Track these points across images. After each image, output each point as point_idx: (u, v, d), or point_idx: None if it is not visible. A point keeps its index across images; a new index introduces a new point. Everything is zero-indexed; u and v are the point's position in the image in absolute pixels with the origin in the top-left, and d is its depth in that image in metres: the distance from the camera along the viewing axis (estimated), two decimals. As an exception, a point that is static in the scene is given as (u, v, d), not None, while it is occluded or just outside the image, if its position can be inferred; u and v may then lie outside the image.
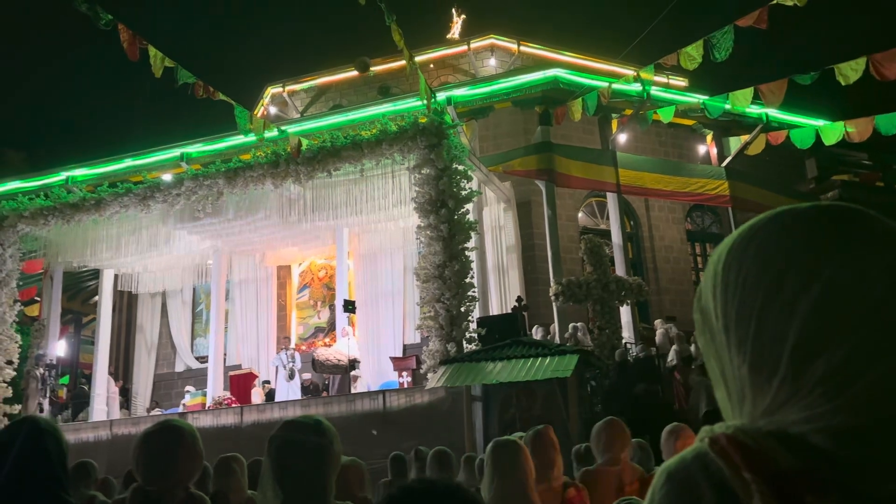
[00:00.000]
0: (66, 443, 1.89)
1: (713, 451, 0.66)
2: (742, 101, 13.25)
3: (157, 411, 15.26)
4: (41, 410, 14.10)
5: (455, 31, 22.81)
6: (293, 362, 14.11)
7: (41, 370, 14.48)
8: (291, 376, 14.01)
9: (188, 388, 15.46)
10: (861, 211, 0.69)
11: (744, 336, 0.68)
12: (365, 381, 14.18)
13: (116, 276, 16.42)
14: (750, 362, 0.67)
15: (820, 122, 15.00)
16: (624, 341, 12.94)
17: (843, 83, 11.67)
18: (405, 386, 12.04)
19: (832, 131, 14.19)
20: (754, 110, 15.10)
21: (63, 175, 15.59)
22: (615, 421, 3.82)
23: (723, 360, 0.71)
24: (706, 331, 0.74)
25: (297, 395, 13.72)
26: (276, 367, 14.55)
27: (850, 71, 11.61)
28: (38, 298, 17.46)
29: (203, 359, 16.81)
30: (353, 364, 12.92)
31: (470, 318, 11.22)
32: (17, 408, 14.11)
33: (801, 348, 0.64)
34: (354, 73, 20.61)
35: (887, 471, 0.61)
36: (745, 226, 0.73)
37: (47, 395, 14.52)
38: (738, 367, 0.68)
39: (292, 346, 15.23)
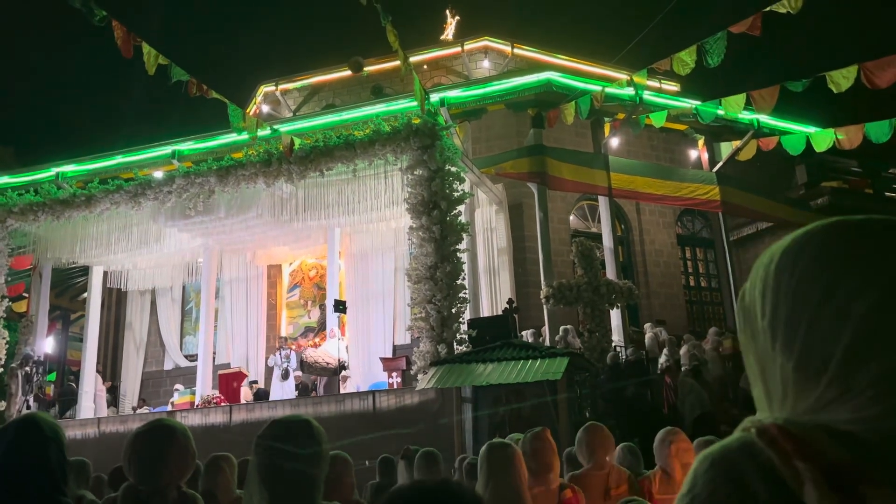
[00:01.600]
0: (65, 442, 1.87)
1: (762, 441, 0.68)
2: (735, 107, 13.31)
3: (144, 409, 15.19)
4: (28, 408, 14.01)
5: (449, 32, 22.83)
6: (287, 362, 14.07)
7: (28, 368, 14.39)
8: (285, 376, 13.97)
9: (177, 386, 15.40)
10: None
11: (792, 336, 0.69)
12: (354, 381, 14.16)
13: (106, 273, 16.33)
14: (797, 361, 0.69)
15: (811, 129, 15.08)
16: (614, 344, 12.98)
17: (834, 91, 11.75)
18: (395, 387, 12.04)
19: (823, 138, 14.28)
20: (746, 116, 15.17)
21: (53, 171, 15.49)
22: (596, 426, 3.86)
23: (764, 358, 0.73)
24: (747, 329, 0.76)
25: (292, 394, 13.69)
26: (273, 367, 14.52)
27: (841, 79, 11.68)
28: (27, 294, 17.35)
29: (192, 357, 16.74)
30: (342, 366, 12.90)
31: (461, 319, 11.22)
32: (2, 404, 14.02)
33: (854, 350, 0.65)
34: (348, 72, 20.61)
35: None
36: (799, 231, 0.75)
37: (34, 391, 14.43)
38: (783, 365, 0.70)
39: (287, 346, 15.18)
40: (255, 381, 15.09)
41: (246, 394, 14.23)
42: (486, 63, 20.38)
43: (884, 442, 0.63)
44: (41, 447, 1.75)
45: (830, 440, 0.64)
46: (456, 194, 11.72)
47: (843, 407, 0.65)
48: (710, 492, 0.70)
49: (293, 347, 15.52)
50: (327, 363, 12.94)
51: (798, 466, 0.64)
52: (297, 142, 12.41)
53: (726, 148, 16.83)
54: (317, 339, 16.10)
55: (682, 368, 11.63)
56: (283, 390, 13.86)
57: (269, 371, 15.11)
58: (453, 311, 11.08)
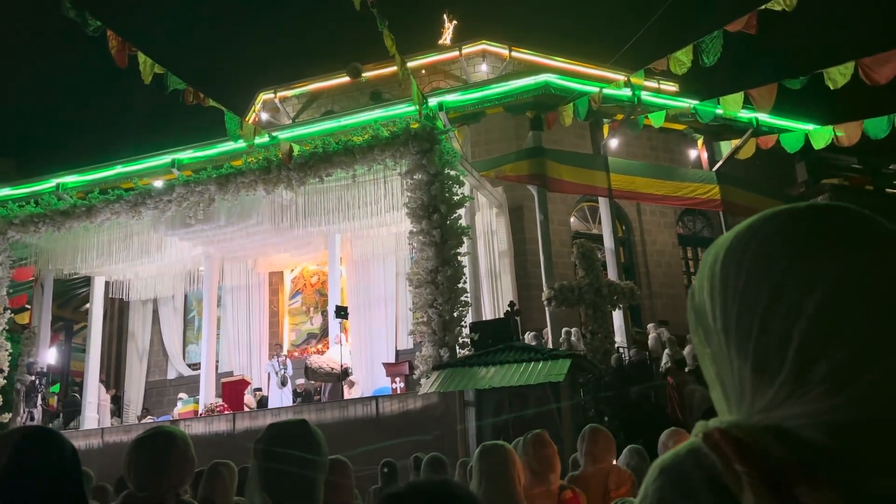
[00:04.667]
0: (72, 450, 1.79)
1: (706, 445, 0.67)
2: (733, 106, 13.28)
3: (148, 419, 15.17)
4: (32, 419, 14.00)
5: (447, 36, 22.87)
6: (285, 369, 14.06)
7: (32, 378, 14.39)
8: (283, 383, 13.96)
9: (181, 395, 15.39)
10: (857, 211, 0.69)
11: (745, 337, 0.68)
12: (358, 387, 14.15)
13: (107, 284, 16.34)
14: (753, 363, 0.67)
15: (809, 127, 15.06)
16: (616, 345, 12.94)
17: (831, 87, 11.73)
18: (398, 391, 12.02)
19: (821, 135, 14.25)
20: (745, 114, 15.15)
21: (53, 182, 15.52)
22: (596, 429, 3.88)
23: (719, 360, 0.71)
24: (700, 330, 0.74)
25: (290, 401, 13.68)
26: (269, 374, 14.52)
27: (838, 75, 11.67)
28: (29, 306, 17.35)
29: (195, 366, 16.73)
30: (346, 372, 12.89)
31: (463, 323, 11.21)
32: (6, 416, 14.02)
33: (806, 349, 0.64)
34: (346, 78, 20.69)
35: (882, 466, 0.61)
36: (741, 226, 0.73)
37: (38, 403, 14.42)
38: (740, 367, 0.69)
39: (284, 352, 15.19)
40: (259, 389, 15.07)
41: (249, 401, 14.22)
42: (484, 66, 20.41)
43: (828, 436, 0.62)
44: (60, 455, 1.69)
45: (773, 440, 0.63)
46: (456, 198, 11.72)
47: (797, 403, 0.64)
48: (658, 500, 0.69)
49: (295, 355, 15.51)
50: (332, 368, 12.94)
51: (738, 470, 0.63)
52: (297, 148, 12.42)
53: (726, 147, 16.83)
54: (319, 346, 16.09)
55: (686, 369, 11.59)
56: (281, 397, 13.86)
57: (268, 378, 15.11)
58: (455, 314, 11.07)
